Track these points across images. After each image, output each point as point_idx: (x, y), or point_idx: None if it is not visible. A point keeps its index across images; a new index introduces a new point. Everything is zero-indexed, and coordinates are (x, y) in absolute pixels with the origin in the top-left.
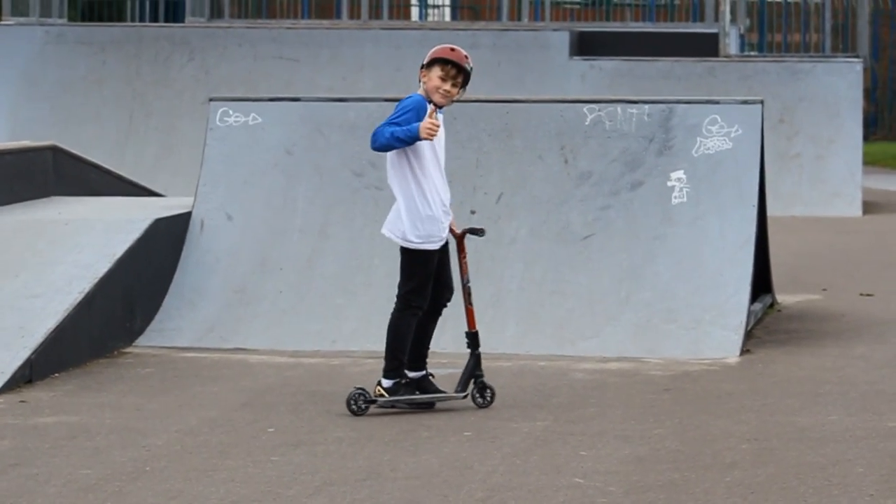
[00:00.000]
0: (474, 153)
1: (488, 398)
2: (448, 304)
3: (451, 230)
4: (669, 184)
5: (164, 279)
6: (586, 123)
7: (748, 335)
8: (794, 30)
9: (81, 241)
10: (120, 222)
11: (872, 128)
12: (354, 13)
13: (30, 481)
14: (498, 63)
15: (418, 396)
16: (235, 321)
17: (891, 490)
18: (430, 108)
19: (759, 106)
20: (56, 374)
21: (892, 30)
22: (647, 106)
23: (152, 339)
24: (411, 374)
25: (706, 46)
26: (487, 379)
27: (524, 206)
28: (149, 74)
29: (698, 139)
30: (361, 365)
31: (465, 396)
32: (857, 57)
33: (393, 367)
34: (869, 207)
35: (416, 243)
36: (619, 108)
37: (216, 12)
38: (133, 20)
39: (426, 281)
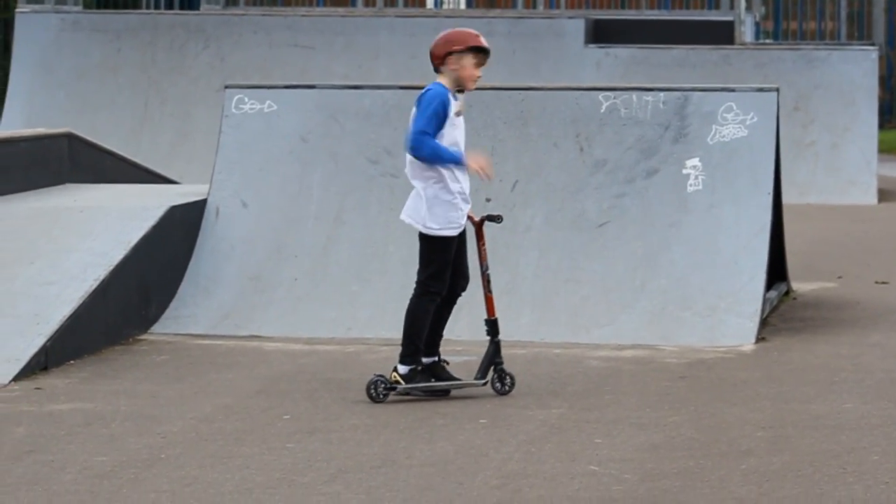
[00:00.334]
0: (490, 141)
1: (508, 385)
2: (463, 293)
3: (470, 217)
4: (685, 171)
5: (180, 266)
6: (601, 111)
7: (763, 323)
8: (809, 17)
9: (96, 229)
10: (135, 209)
11: (888, 116)
12: (370, 1)
13: (45, 468)
14: (513, 51)
15: (436, 384)
16: (250, 308)
17: None
18: (466, 159)
19: (775, 94)
20: (71, 362)
21: None
22: (662, 93)
23: (167, 326)
24: (424, 360)
25: (721, 34)
26: (506, 366)
27: (539, 193)
28: (164, 62)
29: (714, 127)
30: (377, 352)
31: (484, 383)
32: (872, 45)
33: (409, 352)
34: (884, 195)
35: (436, 229)
36: (634, 95)
37: (231, 0)
38: (148, 7)
39: (445, 267)
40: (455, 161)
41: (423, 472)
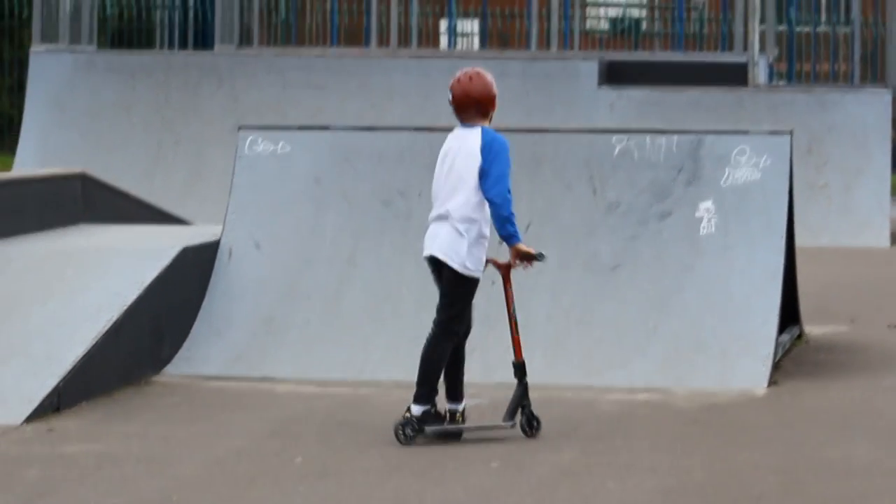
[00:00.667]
0: None
1: (535, 429)
2: (466, 339)
3: (493, 262)
4: (698, 214)
5: (192, 307)
6: (615, 153)
7: (776, 366)
8: (822, 59)
9: (110, 269)
10: (148, 250)
11: None
12: (383, 41)
13: None
14: (527, 92)
15: (461, 426)
16: (263, 350)
17: None
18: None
19: (788, 137)
20: (84, 403)
21: None
22: (675, 136)
23: (180, 367)
24: (449, 406)
25: (735, 76)
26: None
27: (552, 235)
28: (178, 102)
29: (727, 169)
30: (389, 394)
31: (512, 426)
32: (885, 87)
33: (425, 392)
34: None
35: (472, 270)
36: (647, 137)
37: (245, 40)
38: (162, 47)
39: (468, 308)
40: (516, 236)
41: None
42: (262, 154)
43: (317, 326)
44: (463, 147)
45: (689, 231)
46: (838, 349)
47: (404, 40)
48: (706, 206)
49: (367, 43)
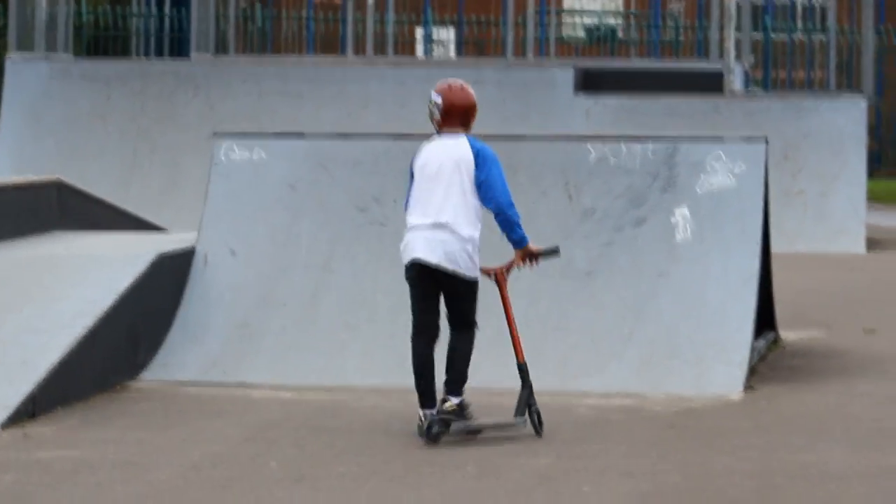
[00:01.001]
0: None
1: (541, 426)
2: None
3: (485, 270)
4: (673, 220)
5: (168, 314)
6: (590, 160)
7: (751, 371)
8: (798, 67)
9: (85, 276)
10: (124, 257)
11: (876, 165)
12: (359, 49)
13: None
14: (503, 99)
15: (483, 423)
16: (239, 356)
17: None
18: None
19: (764, 143)
20: (59, 409)
21: None
22: (651, 143)
23: (156, 373)
24: (426, 412)
25: (711, 83)
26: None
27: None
28: (153, 110)
29: (702, 176)
30: (365, 400)
31: (525, 423)
32: (861, 94)
33: (461, 384)
34: (872, 244)
35: (476, 273)
36: (623, 144)
37: (221, 48)
38: (138, 55)
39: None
40: (526, 238)
41: None
42: (238, 161)
43: (292, 332)
44: (452, 155)
45: (664, 237)
46: (814, 354)
47: (380, 48)
48: (681, 213)
49: (342, 51)
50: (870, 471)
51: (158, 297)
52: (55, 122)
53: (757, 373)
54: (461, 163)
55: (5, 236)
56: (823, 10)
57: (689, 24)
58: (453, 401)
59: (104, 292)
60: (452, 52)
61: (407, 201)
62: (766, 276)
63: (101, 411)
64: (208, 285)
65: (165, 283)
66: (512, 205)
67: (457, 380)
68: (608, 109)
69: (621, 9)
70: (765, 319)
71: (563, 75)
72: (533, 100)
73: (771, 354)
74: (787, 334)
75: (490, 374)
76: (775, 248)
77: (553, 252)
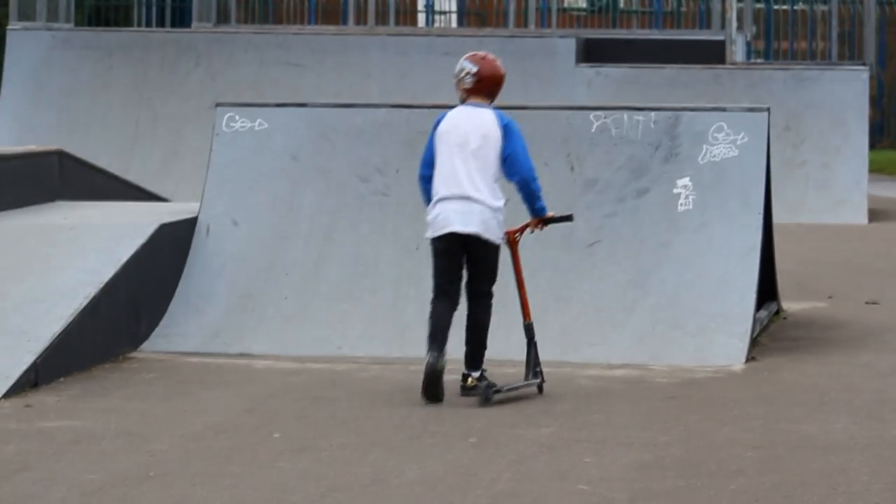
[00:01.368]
0: None
1: (543, 383)
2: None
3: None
4: (675, 191)
5: (170, 284)
6: (592, 130)
7: (753, 342)
8: (800, 37)
9: (87, 246)
10: (126, 227)
11: (878, 136)
12: (361, 19)
13: (35, 486)
14: (505, 70)
15: (516, 384)
16: (241, 326)
17: (895, 498)
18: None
19: (766, 114)
20: (61, 379)
21: None
22: (653, 113)
23: (157, 344)
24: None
25: (712, 54)
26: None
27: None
28: (155, 80)
29: (704, 146)
30: (367, 370)
31: (539, 383)
32: (863, 65)
33: (481, 358)
34: (874, 215)
35: (500, 241)
36: (625, 115)
37: (223, 18)
38: (140, 25)
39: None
40: (546, 208)
41: (412, 492)
42: (240, 131)
43: (295, 303)
44: (479, 127)
45: (666, 208)
46: (816, 325)
47: (382, 18)
48: (683, 183)
49: (344, 21)
50: (871, 441)
51: (160, 267)
52: (57, 92)
53: (759, 344)
54: (489, 135)
55: (7, 206)
56: None
57: None
58: (474, 375)
59: (106, 262)
60: (454, 22)
61: (424, 164)
62: (769, 246)
63: (103, 381)
64: (210, 255)
65: (167, 254)
66: (536, 178)
67: (476, 354)
68: (610, 80)
69: None
70: (767, 290)
71: (564, 45)
72: (534, 70)
73: (773, 325)
74: (790, 305)
75: (493, 347)
76: (777, 218)
77: (567, 218)
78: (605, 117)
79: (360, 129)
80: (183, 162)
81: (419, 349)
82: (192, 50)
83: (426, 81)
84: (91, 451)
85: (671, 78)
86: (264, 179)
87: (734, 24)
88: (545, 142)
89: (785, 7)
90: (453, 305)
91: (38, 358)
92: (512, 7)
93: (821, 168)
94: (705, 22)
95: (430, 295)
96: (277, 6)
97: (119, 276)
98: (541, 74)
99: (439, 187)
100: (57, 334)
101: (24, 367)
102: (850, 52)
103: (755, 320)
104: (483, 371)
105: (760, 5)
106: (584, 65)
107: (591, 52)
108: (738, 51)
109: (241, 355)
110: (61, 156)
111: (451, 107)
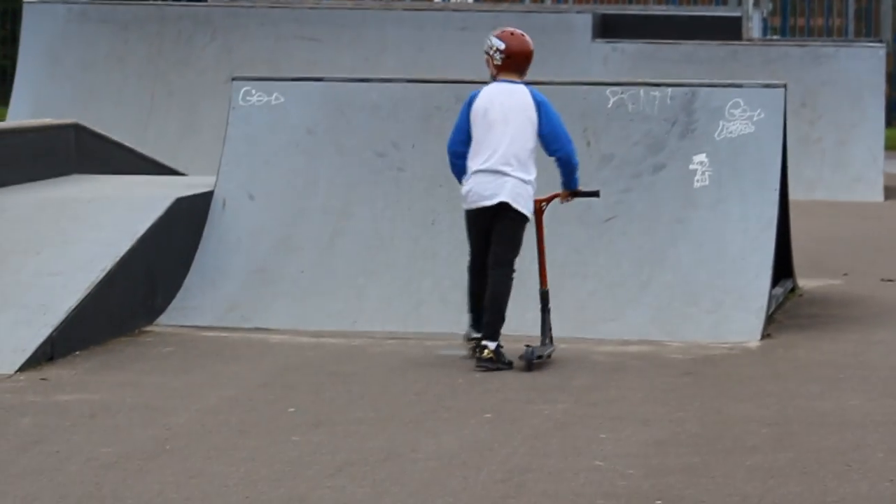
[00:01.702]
0: None
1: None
2: None
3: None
4: (691, 167)
5: (186, 258)
6: (609, 106)
7: (769, 319)
8: (817, 14)
9: (103, 220)
10: (142, 201)
11: (895, 113)
12: None
13: (50, 458)
14: None
15: (543, 351)
16: (256, 300)
17: None
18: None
19: (782, 90)
20: (77, 352)
21: None
22: (669, 89)
23: (173, 317)
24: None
25: (729, 30)
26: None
27: (545, 188)
28: (171, 53)
29: (721, 123)
30: (382, 345)
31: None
32: (880, 42)
33: (498, 328)
34: (891, 192)
35: (529, 213)
36: (641, 90)
37: None
38: None
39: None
40: (577, 181)
41: (428, 466)
42: (256, 105)
43: (310, 277)
44: (516, 102)
45: (682, 184)
46: (831, 303)
47: None
48: (700, 160)
49: None
50: (886, 418)
51: (176, 241)
52: (73, 65)
53: (774, 321)
54: (525, 111)
55: (23, 179)
56: None
57: None
58: (490, 346)
59: (122, 236)
60: None
61: (456, 141)
62: (784, 223)
63: (119, 355)
64: (226, 229)
65: (183, 227)
66: (575, 152)
67: (495, 322)
68: (626, 55)
69: None
70: (782, 267)
71: (581, 21)
72: (551, 45)
73: (789, 302)
74: (805, 282)
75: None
76: (793, 195)
77: (594, 194)
78: (621, 93)
79: (377, 103)
80: (198, 136)
81: (435, 324)
82: (209, 24)
83: (442, 56)
84: (107, 424)
85: (687, 54)
86: (280, 154)
87: (751, 0)
88: (562, 117)
89: None
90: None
91: (54, 331)
92: None
93: (837, 145)
94: None
95: (445, 270)
96: None
97: (135, 250)
98: (557, 50)
99: (475, 161)
100: (73, 308)
101: (40, 340)
102: (867, 28)
103: (771, 297)
104: (500, 346)
105: None
106: (600, 40)
107: (608, 28)
108: (754, 27)
109: (257, 329)
110: (77, 129)
111: (481, 83)
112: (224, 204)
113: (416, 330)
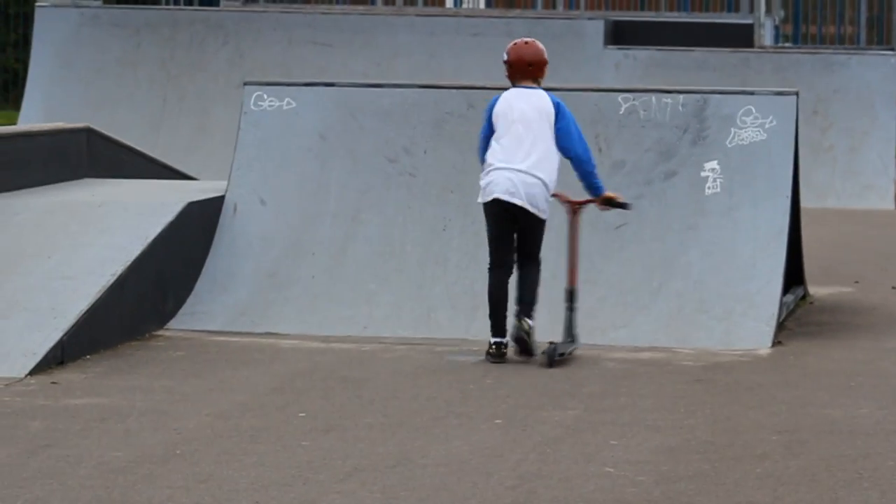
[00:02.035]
0: None
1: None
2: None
3: (563, 198)
4: (703, 174)
5: (197, 262)
6: (621, 113)
7: (780, 327)
8: (829, 22)
9: (114, 224)
10: (153, 205)
11: None
12: None
13: (60, 462)
14: None
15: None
16: (267, 305)
17: None
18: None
19: (794, 97)
20: (87, 356)
21: None
22: (681, 96)
23: (184, 322)
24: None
25: (741, 37)
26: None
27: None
28: (183, 58)
29: (732, 130)
30: (393, 351)
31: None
32: (891, 49)
33: (534, 306)
34: None
35: (548, 214)
36: (653, 97)
37: None
38: (168, 3)
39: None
40: (602, 186)
41: (438, 472)
42: (268, 110)
43: (321, 282)
44: (534, 104)
45: (694, 191)
46: (842, 310)
47: None
48: (711, 167)
49: (373, 1)
50: None
51: (187, 245)
52: (84, 69)
53: (785, 328)
54: (543, 112)
55: (35, 183)
56: None
57: None
58: (529, 322)
59: (133, 240)
60: (482, 3)
61: (482, 146)
62: (796, 231)
63: (129, 359)
64: (237, 234)
65: (194, 232)
66: (590, 156)
67: (530, 301)
68: (638, 62)
69: None
70: (793, 275)
71: (593, 27)
72: (563, 52)
73: (799, 310)
74: (816, 290)
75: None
76: (804, 203)
77: (625, 206)
78: (633, 100)
79: (388, 109)
80: (210, 140)
81: (445, 330)
82: (221, 28)
83: (454, 62)
84: (117, 428)
85: (699, 61)
86: (292, 159)
87: (763, 7)
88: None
89: None
90: (506, 274)
91: (64, 335)
92: None
93: (848, 153)
94: (734, 5)
95: (455, 276)
96: None
97: (146, 254)
98: (569, 56)
99: (494, 159)
100: (84, 311)
101: (51, 344)
102: (879, 36)
103: (782, 304)
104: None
105: None
106: (612, 47)
107: (620, 35)
108: (766, 34)
109: (268, 334)
110: (89, 133)
111: (493, 88)
112: (235, 209)
113: (426, 335)
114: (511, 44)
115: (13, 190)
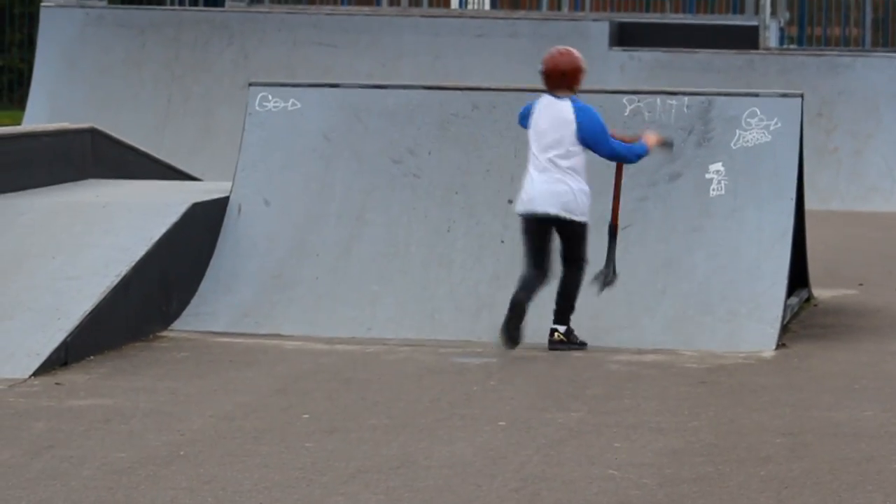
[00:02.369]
0: (512, 142)
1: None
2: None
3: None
4: (708, 176)
5: (201, 263)
6: (625, 114)
7: (784, 329)
8: (834, 23)
9: (119, 224)
10: (157, 206)
11: None
12: (394, 0)
13: (64, 463)
14: (537, 53)
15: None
16: (271, 306)
17: None
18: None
19: (799, 99)
20: (91, 357)
21: None
22: (686, 98)
23: (188, 323)
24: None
25: (746, 39)
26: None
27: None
28: (188, 58)
29: (737, 132)
30: (397, 352)
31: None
32: None
33: (569, 314)
34: None
35: (586, 218)
36: (658, 99)
37: None
38: (173, 4)
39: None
40: (643, 152)
41: (441, 474)
42: (273, 111)
43: (325, 283)
44: (558, 115)
45: (698, 193)
46: (847, 313)
47: None
48: (716, 168)
49: (377, 1)
50: None
51: (191, 246)
52: (89, 69)
53: (789, 330)
54: (563, 122)
55: (39, 183)
56: None
57: None
58: (560, 329)
59: (137, 241)
60: (487, 4)
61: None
62: (800, 233)
63: (133, 360)
64: (241, 235)
65: (199, 233)
66: (620, 152)
67: (566, 309)
68: (643, 64)
69: None
70: (798, 277)
71: (598, 29)
72: None
73: (804, 312)
74: (820, 292)
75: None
76: (809, 205)
77: (670, 144)
78: (638, 101)
79: (393, 110)
80: (215, 141)
81: (449, 331)
82: (225, 29)
83: (459, 63)
84: (121, 429)
85: (704, 63)
86: (296, 159)
87: (768, 9)
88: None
89: None
90: (542, 274)
91: (68, 336)
92: None
93: (853, 155)
94: (739, 7)
95: (460, 277)
96: None
97: (150, 255)
98: None
99: (531, 164)
100: (88, 312)
101: (55, 344)
102: (884, 38)
103: (786, 306)
104: (570, 329)
105: None
106: (617, 48)
107: (625, 36)
108: (771, 36)
109: (272, 335)
110: (94, 133)
111: (498, 90)
112: (240, 209)
113: (430, 337)
114: (547, 53)
115: (17, 190)
